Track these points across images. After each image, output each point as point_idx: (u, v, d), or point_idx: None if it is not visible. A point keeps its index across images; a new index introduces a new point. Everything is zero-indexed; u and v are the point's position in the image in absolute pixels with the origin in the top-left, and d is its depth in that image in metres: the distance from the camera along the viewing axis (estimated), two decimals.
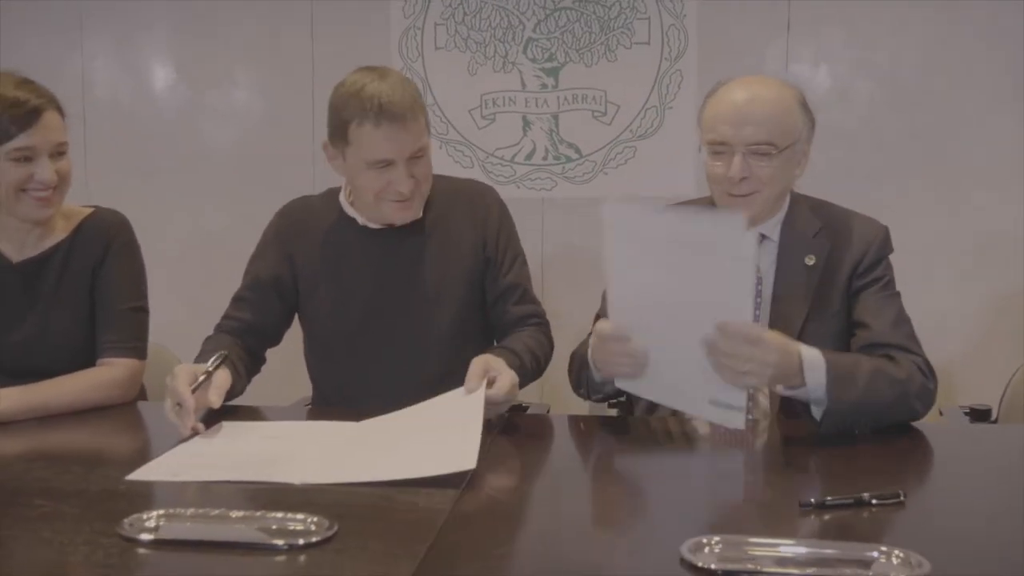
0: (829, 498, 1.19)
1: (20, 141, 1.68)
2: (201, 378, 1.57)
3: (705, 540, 1.04)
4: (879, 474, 1.34)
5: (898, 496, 1.21)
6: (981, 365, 2.80)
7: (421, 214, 1.82)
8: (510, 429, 1.59)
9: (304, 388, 2.02)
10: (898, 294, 1.74)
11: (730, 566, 0.99)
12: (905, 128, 2.91)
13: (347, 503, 1.20)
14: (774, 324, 1.65)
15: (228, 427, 1.56)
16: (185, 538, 1.07)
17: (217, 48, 3.26)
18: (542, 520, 1.21)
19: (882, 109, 2.91)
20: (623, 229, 1.48)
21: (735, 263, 1.37)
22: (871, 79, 2.93)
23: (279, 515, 1.11)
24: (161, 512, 1.13)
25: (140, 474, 1.33)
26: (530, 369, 1.77)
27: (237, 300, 1.90)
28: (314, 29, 3.21)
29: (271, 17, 3.22)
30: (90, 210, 1.88)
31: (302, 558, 1.03)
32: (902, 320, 1.69)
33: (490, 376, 1.53)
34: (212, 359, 1.63)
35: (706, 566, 0.99)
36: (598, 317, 1.79)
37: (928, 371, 1.62)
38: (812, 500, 1.19)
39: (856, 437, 1.50)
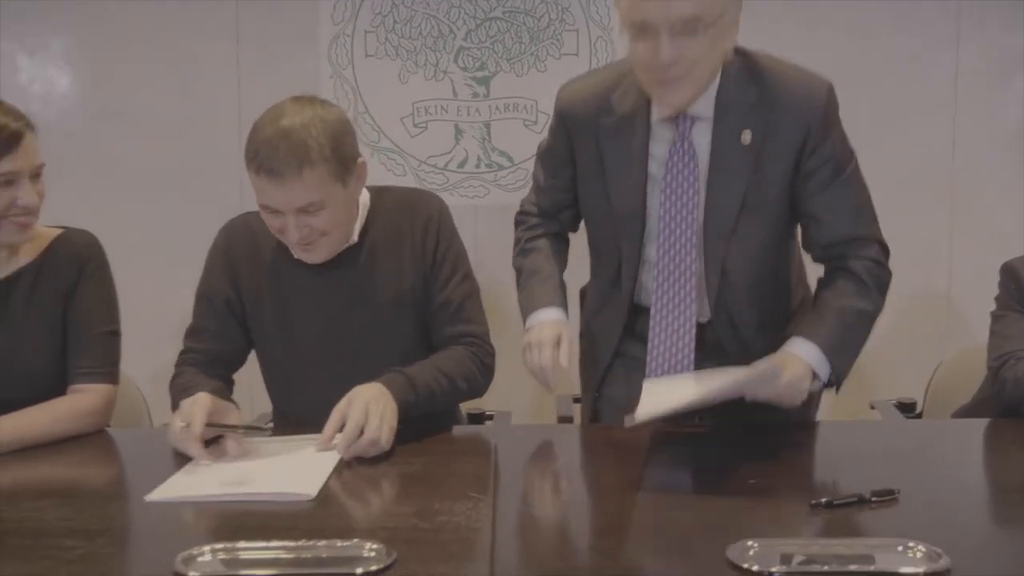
0: (824, 499, 1.29)
1: (3, 167, 1.61)
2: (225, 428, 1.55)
3: (750, 543, 1.12)
4: (866, 473, 1.46)
5: (893, 493, 1.33)
6: (902, 360, 3.02)
7: (334, 253, 1.74)
8: (508, 441, 1.64)
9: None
10: (849, 171, 1.67)
11: (778, 567, 1.08)
12: None
13: (389, 527, 1.22)
14: (709, 214, 1.65)
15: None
16: (256, 574, 1.07)
17: (135, 53, 3.14)
18: (584, 531, 1.27)
19: None
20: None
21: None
22: None
23: (330, 543, 1.13)
24: (214, 547, 1.12)
25: (160, 493, 1.35)
26: (439, 392, 1.69)
27: (195, 332, 1.82)
28: (239, 33, 3.15)
29: (193, 21, 3.13)
30: (59, 231, 1.81)
31: None
32: (858, 206, 1.68)
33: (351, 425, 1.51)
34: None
35: (763, 569, 1.07)
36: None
37: (883, 259, 1.70)
38: (822, 501, 1.29)
39: (831, 437, 1.62)
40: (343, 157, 1.63)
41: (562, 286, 1.83)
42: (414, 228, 1.79)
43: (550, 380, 1.66)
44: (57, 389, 1.74)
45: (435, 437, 1.66)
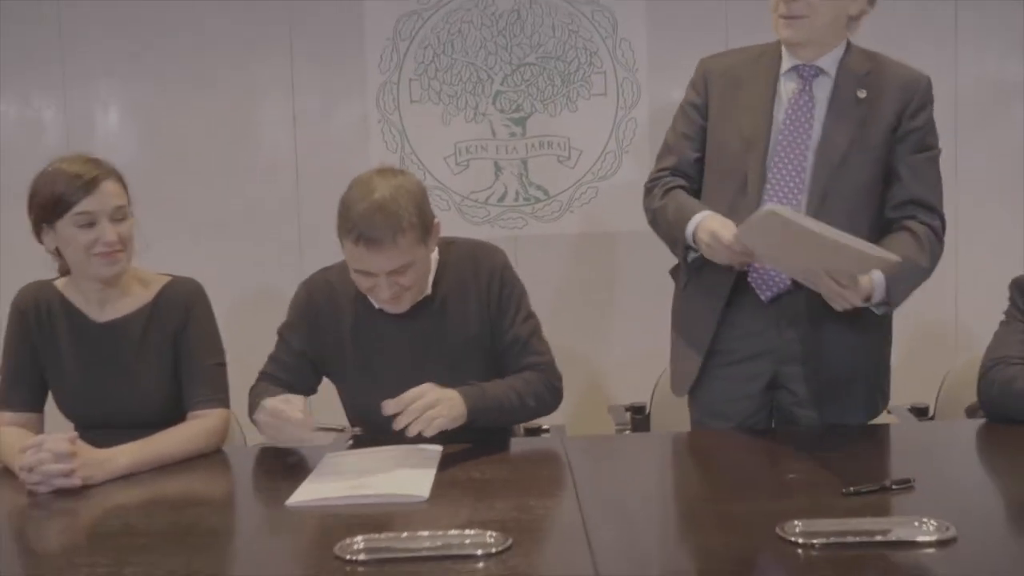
0: (853, 488, 1.56)
1: (81, 207, 1.90)
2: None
3: (796, 523, 1.39)
4: (887, 466, 1.73)
5: (909, 482, 1.60)
6: (914, 370, 3.27)
7: (416, 300, 1.96)
8: (573, 449, 1.91)
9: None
10: (934, 153, 2.05)
11: (819, 540, 1.35)
12: None
13: (497, 519, 1.48)
14: (820, 153, 1.98)
15: (332, 456, 1.86)
16: (401, 556, 1.35)
17: (197, 105, 3.38)
18: (656, 517, 1.54)
19: None
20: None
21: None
22: None
23: (458, 532, 1.40)
24: (363, 537, 1.39)
25: (298, 497, 1.61)
26: (507, 405, 1.91)
27: (274, 360, 2.06)
28: (294, 84, 3.42)
29: (249, 72, 3.39)
30: (167, 278, 2.08)
31: (502, 563, 1.32)
32: (934, 181, 2.05)
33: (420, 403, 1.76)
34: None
35: (807, 541, 1.34)
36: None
37: (942, 233, 2.05)
38: (851, 489, 1.56)
39: (856, 438, 1.89)
40: (425, 221, 1.89)
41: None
42: (479, 281, 2.02)
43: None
44: (172, 413, 2.00)
45: (506, 449, 1.92)
